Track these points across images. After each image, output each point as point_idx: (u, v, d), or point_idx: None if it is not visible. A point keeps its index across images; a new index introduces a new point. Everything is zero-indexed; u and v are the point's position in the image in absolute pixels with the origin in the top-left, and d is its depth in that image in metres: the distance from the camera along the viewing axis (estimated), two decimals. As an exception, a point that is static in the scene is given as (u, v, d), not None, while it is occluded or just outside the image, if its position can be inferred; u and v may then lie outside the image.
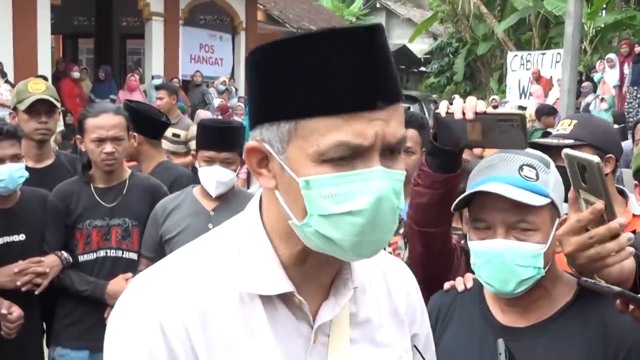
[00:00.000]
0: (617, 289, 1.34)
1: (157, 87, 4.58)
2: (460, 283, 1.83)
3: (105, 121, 3.09)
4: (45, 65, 12.81)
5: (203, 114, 9.59)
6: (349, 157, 0.97)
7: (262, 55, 1.02)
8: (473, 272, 2.25)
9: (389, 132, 0.99)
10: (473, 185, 1.63)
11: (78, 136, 3.19)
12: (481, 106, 1.70)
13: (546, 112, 9.62)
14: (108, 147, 3.07)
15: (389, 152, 1.01)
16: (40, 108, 3.47)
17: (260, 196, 1.14)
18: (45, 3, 12.81)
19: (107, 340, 1.07)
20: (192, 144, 4.95)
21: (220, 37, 17.70)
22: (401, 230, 2.63)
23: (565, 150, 1.38)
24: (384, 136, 0.98)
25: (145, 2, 15.21)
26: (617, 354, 1.54)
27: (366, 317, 1.17)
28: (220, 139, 3.06)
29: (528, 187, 1.56)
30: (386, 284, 1.23)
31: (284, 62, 0.99)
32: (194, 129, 5.34)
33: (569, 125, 2.40)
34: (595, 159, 1.30)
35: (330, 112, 0.97)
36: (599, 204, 1.33)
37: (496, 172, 1.60)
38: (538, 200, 1.55)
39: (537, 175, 1.58)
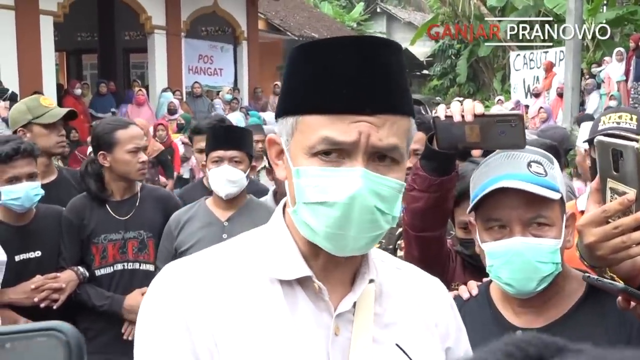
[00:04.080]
0: (621, 285, 1.32)
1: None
2: (465, 291, 1.81)
3: (137, 131, 3.17)
4: (50, 83, 12.85)
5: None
6: (335, 154, 1.09)
7: (288, 57, 1.19)
8: (468, 275, 2.25)
9: (375, 136, 1.07)
10: (483, 185, 1.60)
11: (102, 152, 3.13)
12: (479, 108, 1.71)
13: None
14: (143, 156, 3.13)
15: (378, 158, 1.10)
16: (57, 122, 3.53)
17: None
18: (48, 20, 12.83)
19: (137, 335, 1.14)
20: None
21: (222, 47, 17.70)
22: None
23: (599, 137, 1.37)
24: (369, 138, 1.07)
25: (147, 16, 15.23)
26: (636, 336, 1.54)
27: (392, 320, 1.21)
28: (227, 137, 3.11)
29: (540, 182, 1.55)
30: (416, 294, 1.27)
31: (296, 65, 1.15)
32: None
33: (630, 119, 2.45)
34: (635, 144, 1.25)
35: (323, 111, 1.09)
36: (631, 194, 1.28)
37: (506, 170, 1.59)
38: (553, 194, 1.55)
39: (544, 170, 1.58)
